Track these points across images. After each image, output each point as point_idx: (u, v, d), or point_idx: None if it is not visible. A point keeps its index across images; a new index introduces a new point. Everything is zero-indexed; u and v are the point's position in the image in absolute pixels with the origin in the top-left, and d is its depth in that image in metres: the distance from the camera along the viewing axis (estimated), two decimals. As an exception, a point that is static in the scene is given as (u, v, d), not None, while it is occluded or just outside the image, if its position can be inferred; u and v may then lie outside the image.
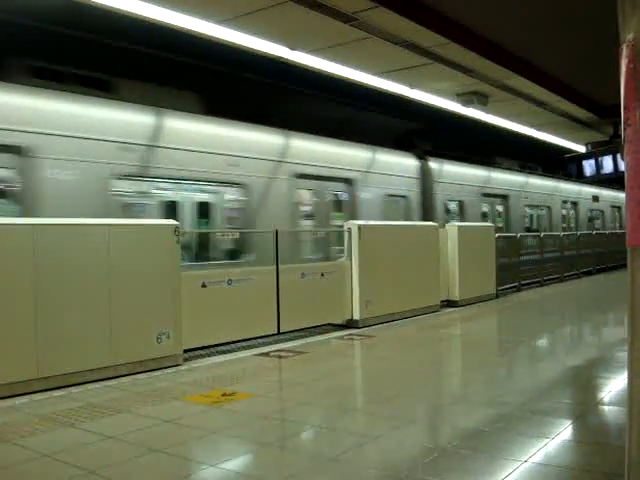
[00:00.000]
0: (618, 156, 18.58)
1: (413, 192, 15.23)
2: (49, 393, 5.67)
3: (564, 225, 23.94)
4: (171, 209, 10.09)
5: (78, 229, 6.26)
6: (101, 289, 6.26)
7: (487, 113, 14.90)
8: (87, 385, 5.96)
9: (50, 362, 5.83)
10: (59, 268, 5.95)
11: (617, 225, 28.19)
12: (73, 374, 5.97)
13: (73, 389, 5.82)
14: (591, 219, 25.87)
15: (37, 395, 5.60)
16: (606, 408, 5.16)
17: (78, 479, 3.69)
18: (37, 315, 5.74)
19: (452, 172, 17.08)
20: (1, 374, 5.51)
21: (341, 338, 8.66)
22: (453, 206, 17.16)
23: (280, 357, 7.41)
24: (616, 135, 17.26)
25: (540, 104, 14.24)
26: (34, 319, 5.72)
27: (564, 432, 4.41)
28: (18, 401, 5.41)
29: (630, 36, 2.63)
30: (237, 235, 10.04)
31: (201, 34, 8.75)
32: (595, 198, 26.08)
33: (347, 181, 13.34)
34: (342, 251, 9.97)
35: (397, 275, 10.21)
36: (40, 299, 5.77)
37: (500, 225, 19.16)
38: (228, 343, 7.93)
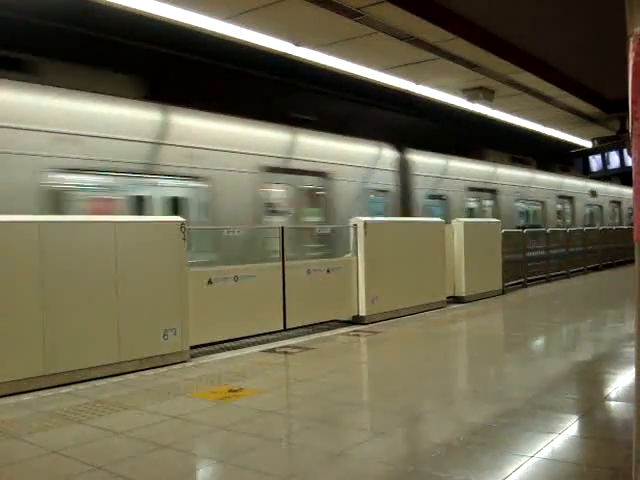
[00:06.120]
0: (624, 151, 18.54)
1: (393, 186, 14.28)
2: (56, 390, 5.69)
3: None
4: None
5: (85, 226, 6.28)
6: (108, 286, 6.27)
7: (493, 109, 14.86)
8: (94, 382, 5.97)
9: (57, 359, 5.84)
10: (66, 265, 5.96)
11: None
12: (80, 371, 5.99)
13: (80, 386, 5.84)
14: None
15: (44, 392, 5.62)
16: (613, 404, 5.15)
17: (86, 475, 3.71)
18: (44, 312, 5.76)
19: (431, 164, 15.99)
20: (8, 371, 5.54)
21: (347, 334, 8.66)
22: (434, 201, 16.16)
23: (286, 353, 7.42)
24: (623, 130, 17.19)
25: (546, 99, 14.20)
26: (41, 316, 5.74)
27: (571, 427, 4.40)
28: (25, 398, 5.44)
29: (637, 30, 2.63)
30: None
31: (207, 31, 8.74)
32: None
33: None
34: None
35: (403, 271, 10.19)
36: (47, 296, 5.79)
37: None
38: (234, 339, 7.96)
